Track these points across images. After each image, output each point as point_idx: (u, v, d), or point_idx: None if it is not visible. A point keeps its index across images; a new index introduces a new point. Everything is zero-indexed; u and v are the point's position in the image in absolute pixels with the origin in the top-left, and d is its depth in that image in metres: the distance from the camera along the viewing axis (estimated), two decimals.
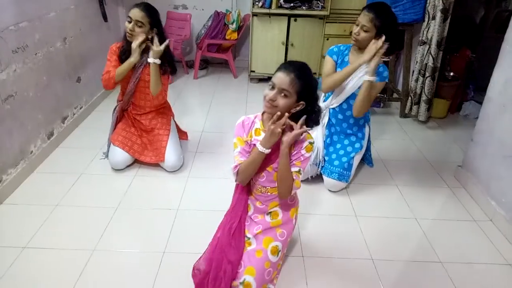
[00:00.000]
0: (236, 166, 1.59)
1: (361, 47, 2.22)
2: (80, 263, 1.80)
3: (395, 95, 3.72)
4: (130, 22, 2.27)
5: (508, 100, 2.18)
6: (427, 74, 3.17)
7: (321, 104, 2.41)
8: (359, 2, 3.84)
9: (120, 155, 2.47)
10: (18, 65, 2.33)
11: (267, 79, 4.25)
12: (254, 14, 3.92)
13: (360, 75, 2.21)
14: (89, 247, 1.90)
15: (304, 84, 1.48)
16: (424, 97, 3.25)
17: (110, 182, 2.42)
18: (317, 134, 2.42)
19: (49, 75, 2.67)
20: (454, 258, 1.94)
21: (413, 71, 3.34)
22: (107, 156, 2.60)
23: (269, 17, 3.93)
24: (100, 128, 3.06)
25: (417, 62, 3.27)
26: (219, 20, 4.15)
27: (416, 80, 3.29)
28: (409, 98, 3.41)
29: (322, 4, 3.95)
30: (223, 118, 3.37)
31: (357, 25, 2.18)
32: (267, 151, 1.51)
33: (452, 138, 3.19)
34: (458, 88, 3.50)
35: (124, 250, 1.90)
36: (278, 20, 3.94)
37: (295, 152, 1.58)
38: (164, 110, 2.64)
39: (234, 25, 4.08)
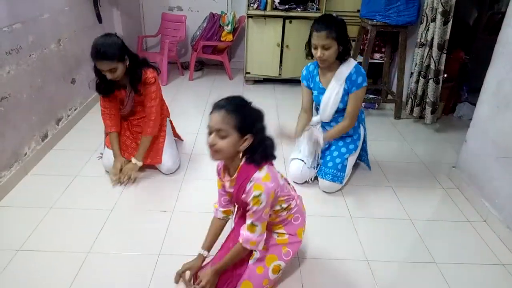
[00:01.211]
0: (216, 210, 1.69)
1: (328, 65, 2.24)
2: (74, 266, 1.79)
3: (389, 97, 3.74)
4: (104, 72, 2.14)
5: (501, 101, 2.20)
6: (429, 76, 3.17)
7: (313, 118, 2.46)
8: (353, 4, 3.86)
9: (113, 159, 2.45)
10: (11, 66, 2.31)
11: (263, 80, 4.26)
12: (249, 16, 3.93)
13: (335, 92, 2.26)
14: (83, 249, 1.89)
15: (240, 116, 1.35)
16: (428, 100, 3.24)
17: (105, 184, 2.41)
18: (310, 143, 2.42)
19: (43, 77, 2.66)
20: (449, 259, 1.95)
21: (412, 73, 3.35)
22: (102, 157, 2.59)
23: (264, 18, 3.93)
24: (94, 129, 3.04)
25: (416, 64, 3.28)
26: (214, 22, 4.15)
27: (417, 82, 3.30)
28: (410, 99, 3.41)
29: (317, 6, 3.96)
30: None
31: (316, 48, 2.16)
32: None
33: (446, 139, 3.21)
34: (452, 89, 3.52)
35: (119, 252, 1.89)
36: (273, 22, 3.95)
37: (246, 200, 1.45)
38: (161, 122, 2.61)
39: (229, 27, 4.08)
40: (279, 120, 3.39)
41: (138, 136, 2.55)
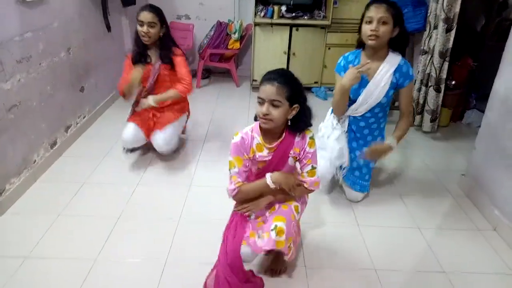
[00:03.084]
0: (234, 189, 1.63)
1: (378, 46, 2.01)
2: (82, 273, 1.79)
3: (396, 104, 3.72)
4: (142, 25, 2.40)
5: (510, 108, 2.18)
6: (429, 84, 3.17)
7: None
8: (360, 12, 3.85)
9: (132, 130, 2.56)
10: (22, 75, 2.35)
11: None
12: (256, 24, 3.96)
13: (382, 85, 2.06)
14: (91, 256, 1.89)
15: (290, 87, 1.49)
16: (427, 108, 3.24)
17: (113, 191, 2.43)
18: (340, 135, 2.22)
19: (52, 85, 2.69)
20: (458, 268, 1.92)
21: (415, 81, 3.35)
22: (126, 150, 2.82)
23: (271, 26, 3.95)
24: (103, 137, 3.08)
25: (418, 71, 3.28)
26: (221, 30, 4.18)
27: (419, 90, 3.29)
28: (412, 108, 3.39)
29: (323, 13, 3.98)
30: (225, 126, 3.38)
31: (370, 22, 1.96)
32: (274, 187, 1.59)
33: (455, 147, 3.18)
34: (460, 96, 3.50)
35: (126, 260, 1.90)
36: (280, 29, 3.97)
37: (302, 153, 1.62)
38: (183, 104, 2.75)
39: (236, 35, 4.11)
40: None
41: (159, 115, 2.66)
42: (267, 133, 1.60)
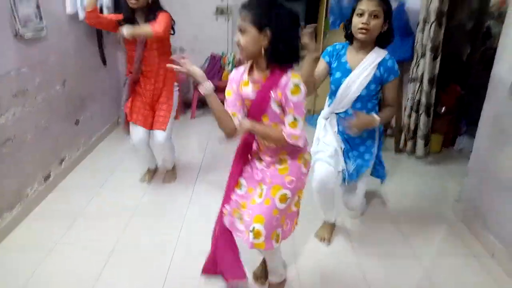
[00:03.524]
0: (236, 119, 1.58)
1: (368, 40, 1.96)
2: None
3: (388, 131, 3.78)
4: None
5: (499, 135, 2.22)
6: (420, 111, 3.24)
7: (325, 109, 2.20)
8: None
9: (141, 133, 2.63)
10: (17, 109, 2.37)
11: None
12: None
13: (364, 75, 1.99)
14: None
15: (258, 10, 1.40)
16: (419, 133, 3.30)
17: (106, 224, 2.40)
18: (331, 139, 2.13)
19: (48, 118, 2.71)
20: None
21: (405, 107, 3.42)
22: (122, 122, 2.79)
23: None
24: (97, 169, 3.08)
25: (408, 98, 3.35)
26: (215, 63, 4.28)
27: (409, 116, 3.36)
28: (403, 134, 3.46)
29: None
30: (220, 156, 3.38)
31: (361, 15, 1.90)
32: (239, 129, 1.54)
33: (448, 173, 3.21)
34: (450, 122, 3.57)
35: None
36: None
37: (283, 99, 1.46)
38: (169, 75, 2.65)
39: (230, 67, 4.20)
40: None
41: (151, 99, 2.66)
42: (253, 68, 1.53)
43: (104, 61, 3.61)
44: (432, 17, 3.00)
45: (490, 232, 2.24)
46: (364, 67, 1.99)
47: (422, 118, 3.25)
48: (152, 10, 2.43)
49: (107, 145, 3.57)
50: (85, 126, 3.31)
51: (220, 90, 4.74)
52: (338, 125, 2.15)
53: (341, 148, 2.13)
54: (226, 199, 1.72)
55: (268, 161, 1.66)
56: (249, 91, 1.53)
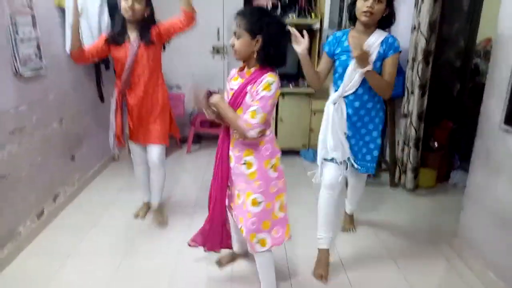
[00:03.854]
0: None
1: (371, 23, 2.08)
2: None
3: (383, 166, 3.80)
4: (127, 0, 2.31)
5: (492, 169, 2.25)
6: (410, 144, 3.31)
7: (333, 95, 2.22)
8: None
9: (140, 149, 2.71)
10: (13, 146, 2.37)
11: None
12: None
13: (370, 52, 2.04)
14: None
15: (252, 18, 1.64)
16: (409, 166, 3.36)
17: (97, 265, 2.34)
18: (336, 129, 2.19)
19: (43, 155, 2.71)
20: None
21: (398, 142, 3.48)
22: (114, 148, 2.71)
23: None
24: (91, 206, 3.05)
25: (401, 133, 3.43)
26: None
27: (402, 150, 3.41)
28: (397, 168, 3.49)
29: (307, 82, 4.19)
30: None
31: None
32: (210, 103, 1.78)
33: (443, 207, 3.21)
34: (444, 157, 3.60)
35: None
36: None
37: (255, 92, 1.66)
38: (158, 89, 2.60)
39: None
40: None
41: (141, 121, 2.62)
42: (244, 67, 1.76)
43: (101, 98, 3.66)
44: (420, 56, 3.12)
45: (489, 268, 2.21)
46: (368, 46, 2.07)
47: (412, 151, 3.32)
48: (146, 25, 2.41)
49: (102, 181, 3.55)
50: (80, 162, 3.31)
51: (216, 124, 4.79)
52: (347, 108, 2.21)
53: (345, 134, 2.21)
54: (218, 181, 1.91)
55: (237, 156, 1.82)
56: (235, 84, 1.75)
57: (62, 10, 2.93)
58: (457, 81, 3.87)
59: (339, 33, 2.23)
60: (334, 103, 2.18)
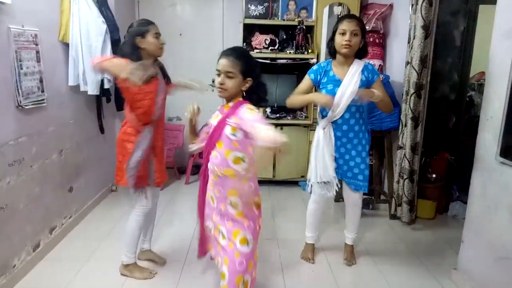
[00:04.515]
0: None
1: (350, 54, 2.37)
2: None
3: (382, 197, 3.80)
4: (157, 37, 2.23)
5: (490, 202, 2.25)
6: (405, 177, 3.32)
7: (321, 121, 2.49)
8: None
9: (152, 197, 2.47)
10: (12, 177, 2.38)
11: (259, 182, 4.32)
12: None
13: (354, 81, 2.35)
14: None
15: (245, 62, 1.72)
16: (404, 199, 3.34)
17: None
18: (324, 152, 2.46)
19: (41, 186, 2.71)
20: None
21: (394, 174, 3.49)
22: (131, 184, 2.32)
23: None
24: (87, 238, 3.01)
25: (396, 165, 3.44)
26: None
27: (398, 182, 3.41)
28: (393, 200, 3.49)
29: (305, 114, 4.25)
30: None
31: (344, 34, 2.32)
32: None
33: (443, 239, 3.18)
34: (442, 189, 3.60)
35: None
36: None
37: (240, 121, 1.66)
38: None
39: None
40: (274, 222, 3.37)
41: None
42: (227, 103, 1.79)
43: (102, 130, 3.70)
44: (412, 89, 3.19)
45: None
46: (352, 75, 2.37)
47: (406, 183, 3.32)
48: (161, 62, 2.37)
49: (99, 212, 3.53)
50: (78, 193, 3.30)
51: None
52: (337, 132, 2.47)
53: (332, 156, 2.48)
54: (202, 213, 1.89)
55: (218, 196, 1.78)
56: (215, 121, 1.78)
57: (66, 45, 3.02)
58: (452, 113, 3.93)
59: (323, 63, 2.51)
60: (323, 128, 2.46)
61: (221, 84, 1.72)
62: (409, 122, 3.24)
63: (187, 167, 4.44)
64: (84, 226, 3.25)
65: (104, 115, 3.68)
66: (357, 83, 2.35)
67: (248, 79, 1.73)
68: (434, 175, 3.58)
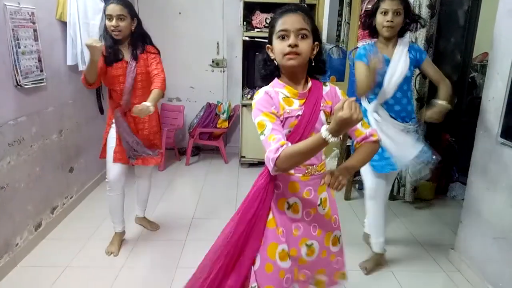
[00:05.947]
0: (277, 149, 1.21)
1: (392, 35, 2.19)
2: None
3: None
4: (110, 19, 2.24)
5: (490, 182, 2.25)
6: None
7: (370, 105, 2.29)
8: None
9: (119, 174, 2.47)
10: (12, 157, 2.38)
11: (257, 164, 4.34)
12: (244, 105, 4.16)
13: (404, 59, 2.19)
14: None
15: (313, 20, 1.35)
16: (408, 178, 3.35)
17: (95, 276, 2.33)
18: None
19: (42, 166, 2.72)
20: None
21: None
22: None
23: None
24: (89, 218, 3.04)
25: None
26: (210, 111, 4.38)
27: None
28: (396, 180, 3.48)
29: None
30: (214, 203, 3.36)
31: (385, 13, 2.13)
32: (334, 139, 1.13)
33: (442, 220, 3.20)
34: (442, 170, 3.61)
35: None
36: None
37: (333, 105, 1.37)
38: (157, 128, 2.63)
39: (225, 115, 4.29)
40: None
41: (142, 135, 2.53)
42: (291, 80, 1.37)
43: (101, 110, 3.68)
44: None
45: (489, 282, 2.20)
46: (399, 55, 2.20)
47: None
48: (136, 41, 2.36)
49: (99, 192, 3.54)
50: (79, 173, 3.31)
51: (214, 136, 4.82)
52: (389, 112, 2.28)
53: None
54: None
55: (308, 202, 1.43)
56: (295, 107, 1.35)
57: (63, 24, 2.97)
58: (454, 94, 3.89)
59: (368, 46, 2.29)
60: (375, 111, 2.27)
61: (295, 45, 1.28)
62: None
63: (187, 148, 4.44)
64: (85, 206, 3.28)
65: (104, 96, 3.65)
66: (406, 61, 2.21)
67: (316, 42, 1.36)
68: (434, 157, 3.57)
